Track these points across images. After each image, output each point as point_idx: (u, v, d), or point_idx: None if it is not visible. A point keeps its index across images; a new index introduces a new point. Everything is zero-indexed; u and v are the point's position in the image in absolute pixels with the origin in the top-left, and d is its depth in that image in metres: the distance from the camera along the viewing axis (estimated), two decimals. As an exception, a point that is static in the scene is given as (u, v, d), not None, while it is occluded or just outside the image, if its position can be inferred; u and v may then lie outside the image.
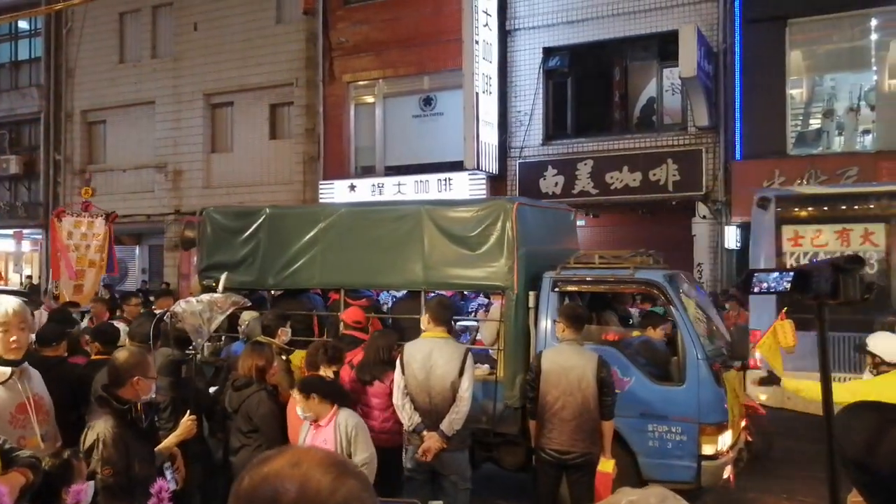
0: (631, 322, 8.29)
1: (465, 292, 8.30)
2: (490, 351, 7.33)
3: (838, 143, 14.06)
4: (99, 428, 3.89)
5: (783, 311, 6.71)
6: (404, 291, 8.10)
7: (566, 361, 5.91)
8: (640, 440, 6.60)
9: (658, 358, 6.96)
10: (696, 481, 6.40)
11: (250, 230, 8.42)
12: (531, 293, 7.09)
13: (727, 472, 6.48)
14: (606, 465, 5.93)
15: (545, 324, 7.00)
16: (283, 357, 6.78)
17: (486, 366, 7.26)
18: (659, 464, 6.53)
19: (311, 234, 8.09)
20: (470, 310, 9.31)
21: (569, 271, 7.18)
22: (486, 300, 9.32)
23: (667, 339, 7.16)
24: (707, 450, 6.40)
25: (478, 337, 8.17)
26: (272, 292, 8.59)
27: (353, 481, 1.24)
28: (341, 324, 7.37)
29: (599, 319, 7.70)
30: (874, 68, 13.73)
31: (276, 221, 8.35)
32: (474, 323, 8.86)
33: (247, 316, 7.43)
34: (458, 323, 8.70)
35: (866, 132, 13.88)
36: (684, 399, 6.47)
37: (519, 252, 7.02)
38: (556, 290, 7.06)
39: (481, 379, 7.00)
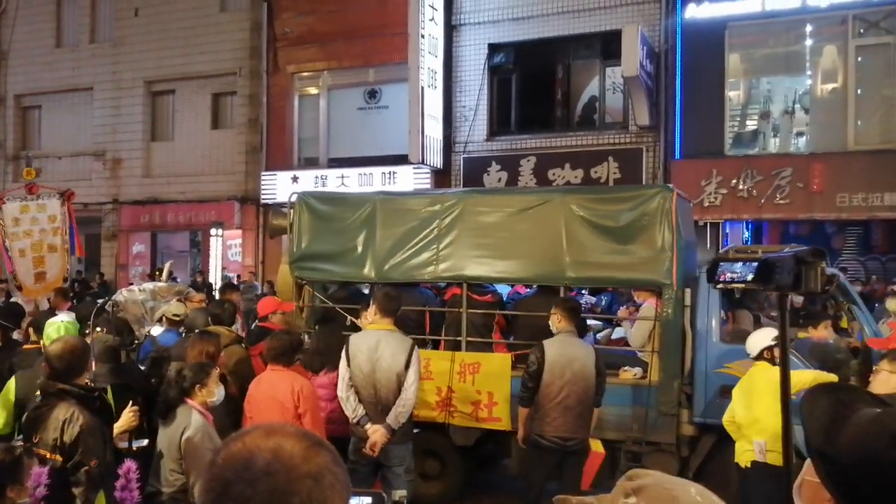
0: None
1: (572, 287, 7.47)
2: (639, 354, 6.82)
3: (773, 145, 14.42)
4: (80, 421, 3.86)
5: None
6: (533, 287, 7.50)
7: (571, 353, 5.95)
8: None
9: (836, 361, 6.38)
10: None
11: (354, 217, 7.71)
12: (686, 290, 6.56)
13: None
14: (598, 446, 6.27)
15: (705, 323, 6.52)
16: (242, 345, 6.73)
17: (638, 369, 6.75)
18: None
19: (429, 222, 7.37)
20: (586, 306, 8.59)
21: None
22: (591, 297, 8.73)
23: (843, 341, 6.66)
24: None
25: (613, 336, 7.69)
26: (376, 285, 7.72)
27: (327, 453, 1.27)
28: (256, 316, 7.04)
29: (734, 318, 7.19)
30: (808, 73, 14.10)
31: (386, 209, 7.63)
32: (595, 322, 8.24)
33: (171, 308, 7.26)
34: (589, 321, 8.04)
35: (800, 134, 14.26)
36: None
37: (678, 245, 6.50)
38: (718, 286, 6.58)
39: (632, 384, 6.65)
